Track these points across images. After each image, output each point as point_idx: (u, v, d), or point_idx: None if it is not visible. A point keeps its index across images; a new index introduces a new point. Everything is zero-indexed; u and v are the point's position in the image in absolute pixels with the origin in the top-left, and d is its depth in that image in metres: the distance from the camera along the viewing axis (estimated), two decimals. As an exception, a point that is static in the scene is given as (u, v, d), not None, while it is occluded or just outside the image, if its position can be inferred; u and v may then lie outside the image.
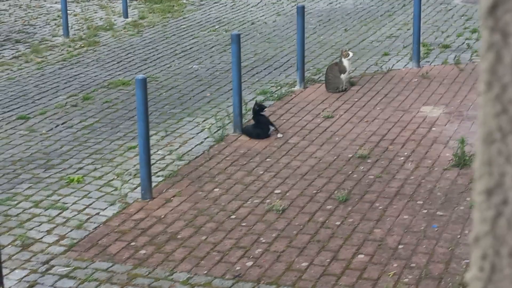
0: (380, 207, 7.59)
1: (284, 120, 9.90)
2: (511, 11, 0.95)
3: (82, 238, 7.13)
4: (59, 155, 8.99)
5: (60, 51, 13.32)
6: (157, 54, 13.08)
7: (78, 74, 12.02)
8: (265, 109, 9.53)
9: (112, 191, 8.06)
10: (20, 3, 16.88)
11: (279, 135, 9.40)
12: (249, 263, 6.66)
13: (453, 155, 8.57)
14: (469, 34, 13.86)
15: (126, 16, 15.51)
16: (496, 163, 0.98)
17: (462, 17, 15.17)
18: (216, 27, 14.86)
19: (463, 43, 13.34)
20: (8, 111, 10.44)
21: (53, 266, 6.70)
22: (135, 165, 8.55)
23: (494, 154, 0.98)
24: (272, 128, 9.42)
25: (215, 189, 8.05)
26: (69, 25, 14.43)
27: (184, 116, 10.18)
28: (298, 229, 7.19)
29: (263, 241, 7.00)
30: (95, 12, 16.10)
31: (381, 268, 6.54)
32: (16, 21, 15.41)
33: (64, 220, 7.48)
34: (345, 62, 10.84)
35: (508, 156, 0.97)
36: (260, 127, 9.38)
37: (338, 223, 7.30)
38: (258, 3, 16.88)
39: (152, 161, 8.31)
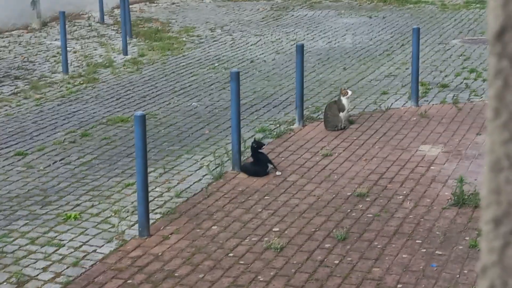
0: (379, 246, 7.54)
1: (283, 158, 9.88)
2: (519, 37, 0.93)
3: (78, 275, 7.07)
4: (56, 191, 8.95)
5: (59, 87, 13.35)
6: (156, 91, 13.10)
7: (77, 111, 12.03)
8: (264, 147, 9.52)
9: (109, 228, 8.01)
10: (20, 39, 16.94)
11: (278, 173, 9.38)
12: (247, 302, 6.59)
13: (452, 194, 8.54)
14: (467, 74, 13.91)
15: (125, 53, 15.57)
16: (504, 191, 0.96)
17: (460, 57, 15.24)
18: (216, 65, 14.91)
19: (461, 82, 13.38)
20: (6, 147, 10.41)
21: (48, 303, 6.63)
22: (132, 202, 8.51)
23: (502, 182, 0.96)
24: (270, 166, 9.40)
25: (213, 227, 8.00)
26: (69, 62, 14.48)
27: (183, 153, 10.16)
28: (297, 268, 7.13)
29: (261, 279, 6.94)
30: (95, 49, 16.16)
31: (380, 307, 6.48)
32: (15, 57, 15.46)
33: (60, 257, 7.42)
34: (344, 100, 10.86)
35: (517, 184, 0.95)
36: (258, 164, 9.36)
37: (336, 261, 7.24)
38: (258, 41, 16.96)
39: (150, 198, 8.27)
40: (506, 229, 0.97)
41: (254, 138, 10.05)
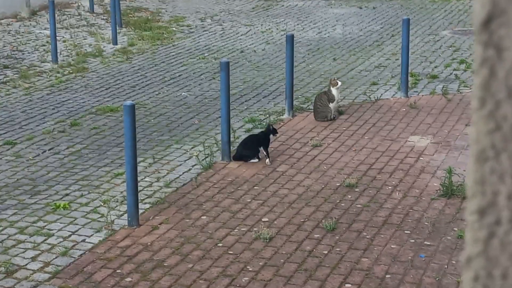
0: (368, 236, 7.55)
1: (272, 148, 9.87)
2: (505, 25, 0.93)
3: (67, 265, 7.06)
4: (45, 181, 8.93)
5: (48, 77, 13.30)
6: (146, 81, 13.07)
7: (66, 100, 11.99)
8: (276, 135, 9.58)
9: (98, 218, 8.00)
10: (9, 28, 16.87)
11: (267, 162, 9.38)
12: (236, 292, 6.60)
13: (441, 185, 8.56)
14: (457, 65, 13.92)
15: (115, 43, 15.52)
16: (489, 181, 0.96)
17: (450, 48, 15.25)
18: (205, 54, 14.88)
19: (451, 73, 13.40)
20: (-5, 137, 10.37)
21: (37, 293, 6.62)
22: (122, 192, 8.50)
23: (487, 172, 0.96)
24: (264, 153, 9.37)
25: (203, 217, 8.00)
26: (58, 51, 14.42)
27: (172, 143, 10.15)
28: (286, 258, 7.14)
29: (250, 269, 6.95)
30: (84, 39, 16.10)
31: (369, 297, 6.49)
32: (4, 46, 15.39)
33: (49, 246, 7.40)
34: (334, 91, 10.85)
35: (502, 174, 0.95)
36: (248, 149, 9.35)
37: (325, 252, 7.25)
38: (248, 31, 16.93)
39: (139, 188, 8.26)
40: (490, 219, 0.97)
41: (270, 125, 9.87)
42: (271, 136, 9.51)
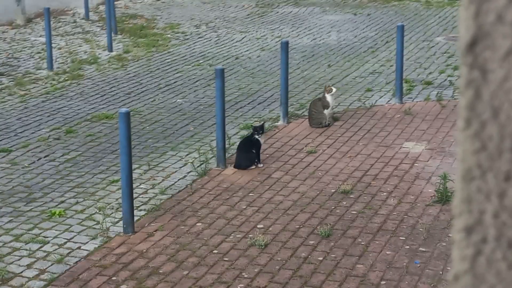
0: (363, 243, 7.57)
1: (267, 155, 9.89)
2: (490, 48, 0.95)
3: (63, 272, 7.07)
4: (41, 188, 8.93)
5: (43, 84, 13.30)
6: (141, 88, 13.08)
7: (62, 107, 11.99)
8: (258, 133, 9.46)
9: (93, 225, 8.01)
10: (4, 36, 16.87)
11: (259, 165, 9.44)
12: (231, 299, 6.60)
13: (436, 191, 8.59)
14: (451, 71, 13.96)
15: (110, 50, 15.53)
16: (476, 200, 0.98)
17: (444, 54, 15.29)
18: (201, 61, 14.90)
19: (445, 80, 13.44)
20: (-10, 144, 10.37)
21: (32, 300, 6.62)
22: (117, 199, 8.50)
23: (473, 191, 0.98)
24: (256, 160, 9.42)
25: (198, 224, 8.01)
26: (54, 58, 14.43)
27: (168, 150, 10.16)
28: (281, 265, 7.16)
29: (245, 276, 6.96)
30: (80, 46, 16.11)
31: (364, 304, 6.50)
32: (0, 53, 15.39)
33: (45, 254, 7.41)
34: (329, 97, 10.88)
35: (488, 193, 0.97)
36: (245, 157, 9.37)
37: (320, 258, 7.27)
38: (243, 38, 16.95)
39: (135, 195, 8.27)
40: (477, 237, 0.99)
41: (251, 126, 9.97)
42: (259, 137, 9.48)
